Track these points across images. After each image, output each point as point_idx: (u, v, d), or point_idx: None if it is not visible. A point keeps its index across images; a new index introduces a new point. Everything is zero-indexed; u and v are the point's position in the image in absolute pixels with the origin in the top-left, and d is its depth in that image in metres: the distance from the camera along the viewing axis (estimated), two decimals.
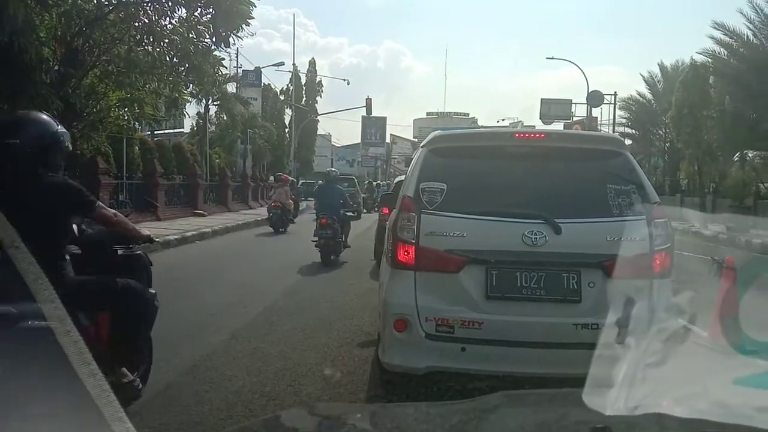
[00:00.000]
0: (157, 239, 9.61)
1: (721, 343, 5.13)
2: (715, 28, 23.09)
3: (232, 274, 9.54)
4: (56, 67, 9.63)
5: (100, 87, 10.85)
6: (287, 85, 50.05)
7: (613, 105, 33.82)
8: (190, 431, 3.55)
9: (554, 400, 1.62)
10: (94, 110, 11.02)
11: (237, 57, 33.67)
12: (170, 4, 9.78)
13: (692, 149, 25.03)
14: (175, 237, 13.60)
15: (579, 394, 1.20)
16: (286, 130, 47.07)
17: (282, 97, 48.79)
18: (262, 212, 24.37)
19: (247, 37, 10.18)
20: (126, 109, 11.93)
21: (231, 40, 10.07)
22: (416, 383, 3.81)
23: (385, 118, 72.48)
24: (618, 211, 3.68)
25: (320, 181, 16.85)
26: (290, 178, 24.36)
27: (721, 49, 23.64)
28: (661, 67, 34.04)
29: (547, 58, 38.18)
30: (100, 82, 10.83)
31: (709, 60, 24.31)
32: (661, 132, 33.82)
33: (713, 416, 1.12)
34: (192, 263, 10.99)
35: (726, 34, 23.09)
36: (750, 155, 27.58)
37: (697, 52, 26.00)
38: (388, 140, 76.33)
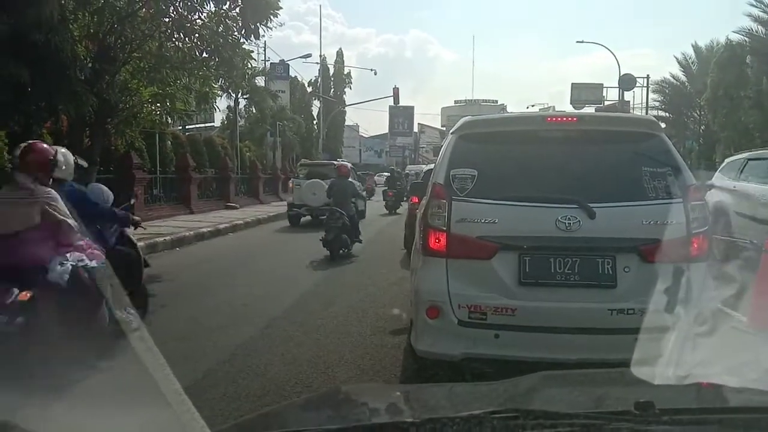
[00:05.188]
0: (191, 232, 9.86)
1: (760, 328, 5.02)
2: (752, 5, 22.40)
3: (265, 265, 9.67)
4: (90, 64, 9.82)
5: (132, 83, 11.02)
6: (315, 76, 50.22)
7: (645, 88, 33.15)
8: (228, 417, 3.62)
9: (593, 380, 1.61)
10: (128, 106, 11.19)
11: (264, 50, 33.91)
12: None
13: (728, 131, 24.35)
14: (209, 230, 13.82)
15: (618, 374, 1.19)
16: (315, 121, 47.20)
17: (310, 89, 48.92)
18: None
19: (275, 27, 10.21)
20: (158, 105, 12.09)
21: (260, 31, 10.14)
22: (449, 370, 3.82)
23: (412, 108, 72.35)
24: (653, 194, 3.62)
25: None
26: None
27: (759, 26, 22.92)
28: (696, 48, 33.20)
29: (577, 42, 37.72)
30: (133, 78, 10.99)
31: (746, 39, 23.59)
32: (695, 115, 33.01)
33: (765, 385, 1.10)
34: (226, 255, 11.16)
35: (764, 11, 22.37)
36: None
37: (733, 31, 25.28)
38: (415, 129, 76.10)
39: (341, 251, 10.56)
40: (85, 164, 5.75)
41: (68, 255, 4.25)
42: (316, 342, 5.30)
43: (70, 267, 4.17)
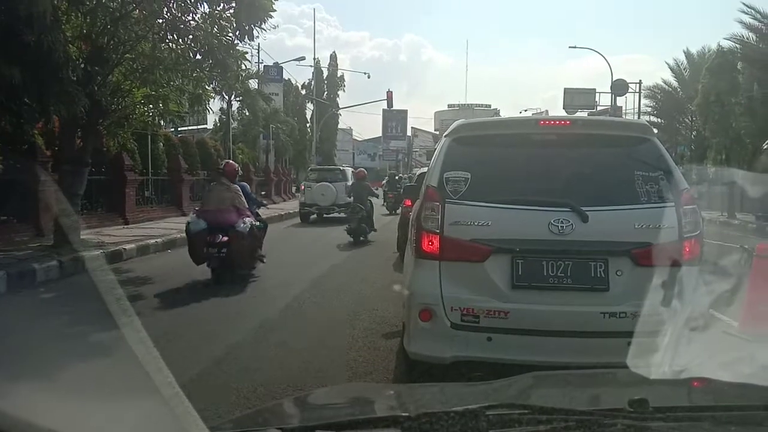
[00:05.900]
0: (182, 234, 9.86)
1: (752, 332, 5.05)
2: (744, 12, 22.53)
3: (257, 267, 9.61)
4: (82, 65, 9.75)
5: (125, 84, 10.93)
6: (309, 79, 50.22)
7: (637, 94, 33.21)
8: (218, 420, 3.60)
9: (587, 379, 1.61)
10: (120, 107, 11.09)
11: (258, 53, 33.90)
12: (193, 0, 9.85)
13: (719, 137, 24.39)
14: None
15: (611, 374, 1.19)
16: (308, 124, 47.14)
17: (303, 92, 48.89)
18: (287, 206, 24.58)
19: (269, 29, 10.14)
20: (150, 106, 12.00)
21: (254, 33, 10.08)
22: (441, 372, 3.81)
23: (406, 111, 72.63)
24: (646, 198, 3.63)
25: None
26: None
27: (751, 33, 23.05)
28: (687, 54, 33.19)
29: (569, 47, 37.79)
30: (125, 79, 10.90)
31: (737, 46, 23.71)
32: (687, 120, 33.12)
33: (760, 380, 1.10)
34: None
35: (755, 18, 22.51)
36: None
37: (724, 38, 25.41)
38: (409, 133, 76.20)
39: (361, 238, 13.30)
40: (241, 172, 10.09)
41: (246, 219, 8.20)
42: (308, 344, 5.28)
43: (249, 225, 8.18)
